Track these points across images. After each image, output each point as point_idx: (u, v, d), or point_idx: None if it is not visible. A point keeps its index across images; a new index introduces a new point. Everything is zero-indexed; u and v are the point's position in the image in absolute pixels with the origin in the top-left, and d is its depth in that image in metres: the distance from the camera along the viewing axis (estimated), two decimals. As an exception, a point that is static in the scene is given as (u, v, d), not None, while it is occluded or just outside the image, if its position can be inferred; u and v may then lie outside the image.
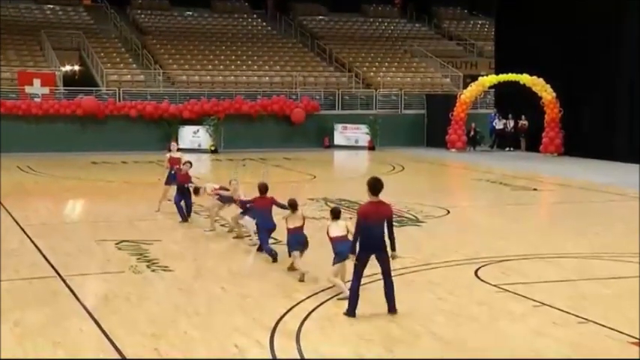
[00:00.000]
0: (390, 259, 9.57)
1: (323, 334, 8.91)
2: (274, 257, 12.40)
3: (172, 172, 16.70)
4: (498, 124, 34.55)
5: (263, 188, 12.78)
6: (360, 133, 35.67)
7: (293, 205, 11.64)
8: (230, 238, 14.37)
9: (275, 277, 11.44)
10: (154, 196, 17.22)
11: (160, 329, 8.96)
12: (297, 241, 11.45)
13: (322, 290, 10.50)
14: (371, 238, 9.34)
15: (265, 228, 12.65)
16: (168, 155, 17.52)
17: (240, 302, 10.15)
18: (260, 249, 12.91)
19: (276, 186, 14.18)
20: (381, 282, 9.78)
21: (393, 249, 9.44)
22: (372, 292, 10.10)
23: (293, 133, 35.08)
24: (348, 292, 9.80)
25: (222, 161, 29.44)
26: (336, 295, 10.18)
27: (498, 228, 16.04)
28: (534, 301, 10.15)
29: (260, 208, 12.74)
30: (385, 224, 9.40)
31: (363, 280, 9.76)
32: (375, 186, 9.42)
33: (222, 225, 15.35)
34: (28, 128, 31.52)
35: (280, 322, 9.16)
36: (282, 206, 12.29)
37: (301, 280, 11.08)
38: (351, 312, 9.41)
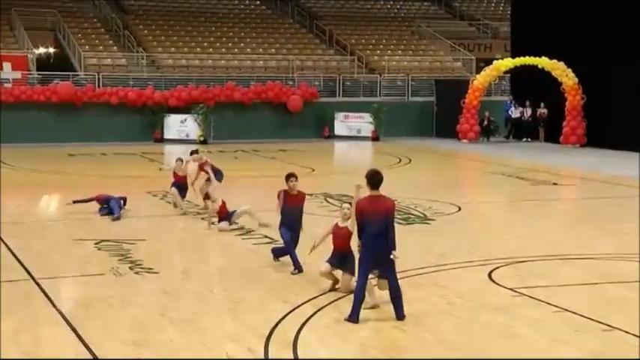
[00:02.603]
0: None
1: (322, 342, 8.92)
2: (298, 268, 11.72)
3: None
4: (514, 113, 34.54)
5: (374, 180, 9.57)
6: (362, 123, 35.66)
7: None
8: (222, 237, 14.39)
9: (271, 280, 11.45)
10: (137, 192, 17.24)
11: (144, 336, 8.97)
12: None
13: (322, 294, 10.51)
14: (370, 235, 9.32)
15: (288, 238, 11.77)
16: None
17: (232, 307, 10.15)
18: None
19: (276, 180, 14.16)
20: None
21: (393, 248, 9.38)
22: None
23: (289, 122, 35.07)
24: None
25: (212, 153, 29.41)
26: (339, 297, 10.23)
27: (515, 226, 16.06)
28: (554, 306, 10.16)
29: (289, 208, 11.92)
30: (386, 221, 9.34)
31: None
32: (373, 178, 9.42)
33: (213, 224, 15.37)
34: (-2, 117, 31.48)
35: (276, 329, 9.17)
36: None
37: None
38: (353, 317, 9.39)
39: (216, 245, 14.15)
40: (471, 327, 9.46)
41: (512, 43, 37.01)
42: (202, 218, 15.97)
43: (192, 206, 16.99)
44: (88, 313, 9.90)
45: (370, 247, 9.35)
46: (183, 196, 16.75)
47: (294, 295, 10.54)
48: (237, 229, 14.78)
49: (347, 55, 40.72)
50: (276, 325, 9.32)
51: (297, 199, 12.00)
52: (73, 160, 27.59)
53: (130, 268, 12.07)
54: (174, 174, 17.00)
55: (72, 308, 10.12)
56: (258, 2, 45.96)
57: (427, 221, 16.17)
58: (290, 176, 12.01)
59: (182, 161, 17.08)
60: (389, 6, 48.39)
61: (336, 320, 9.55)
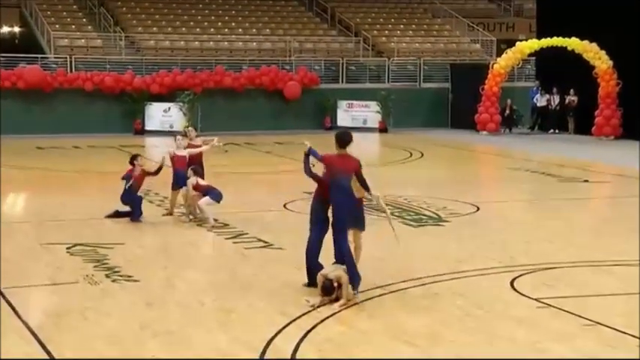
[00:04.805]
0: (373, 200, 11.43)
1: (323, 358, 8.93)
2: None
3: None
4: (540, 101, 34.60)
5: (344, 140, 10.85)
6: (368, 112, 35.72)
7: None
8: (211, 241, 14.42)
9: (266, 288, 11.45)
10: (114, 190, 17.16)
11: (122, 352, 8.98)
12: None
13: (323, 305, 10.52)
14: (336, 187, 10.65)
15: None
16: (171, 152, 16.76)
17: (222, 319, 10.17)
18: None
19: (273, 177, 14.20)
20: (388, 296, 10.09)
21: (368, 191, 11.05)
22: (379, 306, 10.23)
23: (287, 111, 35.12)
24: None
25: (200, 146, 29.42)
26: (341, 308, 10.28)
27: (540, 228, 16.07)
28: (585, 318, 10.18)
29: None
30: (356, 178, 10.80)
31: (369, 294, 10.47)
32: (342, 138, 10.83)
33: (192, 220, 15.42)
34: (-42, 105, 31.52)
35: (271, 344, 9.19)
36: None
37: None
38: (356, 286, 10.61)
39: (205, 249, 14.17)
40: (490, 341, 9.47)
41: (537, 22, 37.04)
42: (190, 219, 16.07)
43: (178, 206, 16.99)
44: (58, 326, 9.90)
45: (342, 203, 10.66)
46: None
47: (291, 306, 10.55)
48: (227, 230, 14.84)
49: (351, 36, 40.74)
50: (272, 339, 9.33)
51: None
52: (42, 153, 27.60)
53: (107, 275, 12.06)
54: (174, 159, 16.47)
55: (41, 321, 10.13)
56: (251, -24, 46.01)
57: (441, 223, 16.17)
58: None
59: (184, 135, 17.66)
60: (399, -20, 48.44)
61: (338, 334, 9.57)
